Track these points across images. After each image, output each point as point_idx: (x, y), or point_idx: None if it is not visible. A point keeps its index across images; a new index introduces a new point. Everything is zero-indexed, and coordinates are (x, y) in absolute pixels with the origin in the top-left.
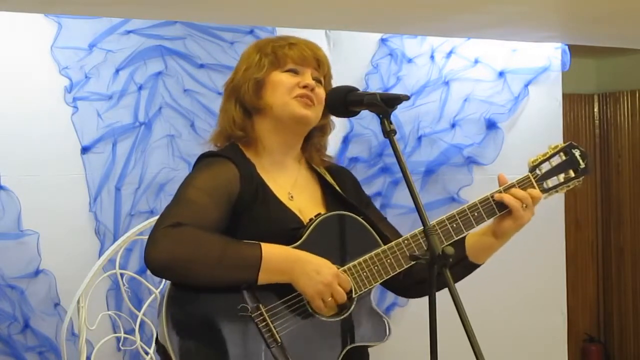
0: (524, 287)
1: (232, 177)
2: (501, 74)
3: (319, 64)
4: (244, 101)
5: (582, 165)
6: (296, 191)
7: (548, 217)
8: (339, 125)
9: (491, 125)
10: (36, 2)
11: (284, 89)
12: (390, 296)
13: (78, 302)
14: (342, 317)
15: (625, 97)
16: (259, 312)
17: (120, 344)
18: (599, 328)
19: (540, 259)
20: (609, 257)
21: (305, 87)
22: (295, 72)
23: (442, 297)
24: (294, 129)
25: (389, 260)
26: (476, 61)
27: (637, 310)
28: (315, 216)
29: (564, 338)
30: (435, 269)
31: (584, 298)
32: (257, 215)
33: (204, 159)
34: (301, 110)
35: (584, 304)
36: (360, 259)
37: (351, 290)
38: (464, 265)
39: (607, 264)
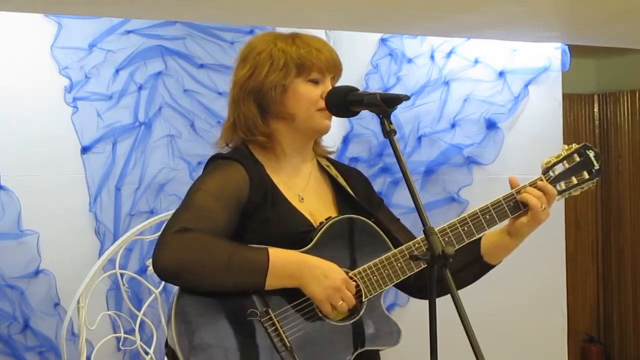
0: (524, 287)
1: (242, 180)
2: (501, 74)
3: (337, 71)
4: (265, 104)
5: (597, 166)
6: (307, 193)
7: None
8: (339, 125)
9: (491, 125)
10: (36, 2)
11: (308, 102)
12: (390, 296)
13: (78, 302)
14: (352, 321)
15: (625, 97)
16: (268, 316)
17: (120, 344)
18: (599, 328)
19: (540, 259)
20: (609, 257)
21: None
22: (316, 82)
23: (442, 297)
24: (312, 137)
25: (399, 264)
26: (476, 61)
27: (637, 310)
28: (326, 219)
29: (564, 338)
30: (435, 269)
31: (584, 298)
32: (267, 218)
33: (213, 162)
34: (324, 122)
35: (584, 304)
36: (371, 263)
37: (361, 294)
38: (479, 266)
39: (607, 264)
